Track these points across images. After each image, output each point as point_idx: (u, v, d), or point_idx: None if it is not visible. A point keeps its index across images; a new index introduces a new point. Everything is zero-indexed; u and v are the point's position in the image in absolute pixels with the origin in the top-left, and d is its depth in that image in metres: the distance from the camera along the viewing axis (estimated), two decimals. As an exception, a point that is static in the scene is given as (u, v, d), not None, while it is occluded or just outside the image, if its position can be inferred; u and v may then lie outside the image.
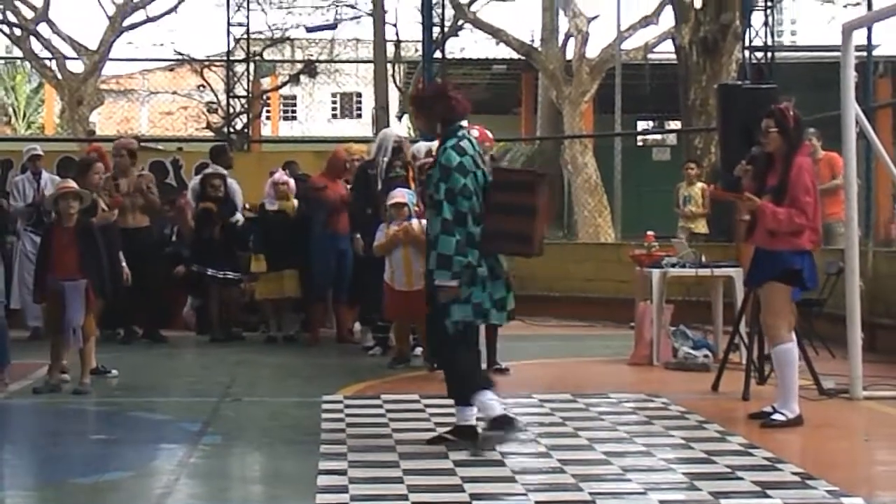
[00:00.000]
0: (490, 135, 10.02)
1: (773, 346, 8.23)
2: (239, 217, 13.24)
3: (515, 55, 27.24)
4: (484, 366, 10.15)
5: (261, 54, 26.71)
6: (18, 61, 36.83)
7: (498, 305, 7.43)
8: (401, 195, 10.60)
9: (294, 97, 46.92)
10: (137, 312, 12.92)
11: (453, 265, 7.13)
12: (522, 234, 7.39)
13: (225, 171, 13.58)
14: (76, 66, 29.75)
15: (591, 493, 6.24)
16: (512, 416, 7.32)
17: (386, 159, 11.48)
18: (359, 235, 11.60)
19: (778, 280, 8.18)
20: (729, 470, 6.80)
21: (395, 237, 10.47)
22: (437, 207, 7.21)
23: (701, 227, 15.79)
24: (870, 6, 14.18)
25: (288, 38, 29.41)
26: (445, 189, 7.20)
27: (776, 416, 8.13)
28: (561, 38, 26.12)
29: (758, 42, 16.27)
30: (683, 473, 6.77)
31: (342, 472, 6.68)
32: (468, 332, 7.41)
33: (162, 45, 33.02)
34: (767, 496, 6.22)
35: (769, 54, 16.14)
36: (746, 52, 16.34)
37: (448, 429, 7.56)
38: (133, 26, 29.78)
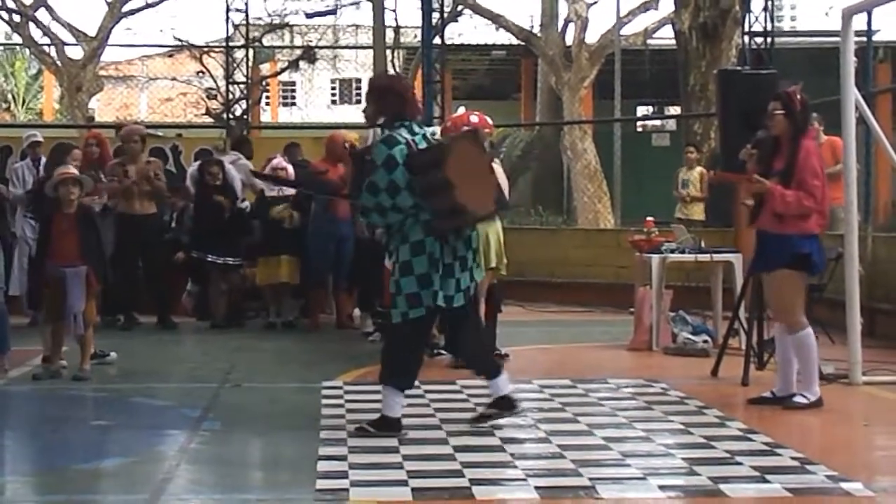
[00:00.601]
0: (490, 121, 10.00)
1: (792, 333, 8.24)
2: (247, 204, 13.27)
3: (515, 41, 27.23)
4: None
5: (260, 40, 26.68)
6: (17, 47, 36.80)
7: (455, 286, 7.36)
8: None
9: (293, 83, 46.90)
10: (145, 299, 12.98)
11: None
12: (451, 209, 7.26)
13: (223, 158, 13.62)
14: (75, 53, 29.72)
15: (590, 479, 6.25)
16: (401, 424, 7.31)
17: None
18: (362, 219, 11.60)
19: (788, 266, 8.17)
20: (728, 455, 6.81)
21: None
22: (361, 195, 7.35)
23: (697, 213, 15.79)
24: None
25: (287, 24, 29.36)
26: (369, 182, 7.25)
27: (798, 399, 8.16)
28: (560, 23, 26.10)
29: (757, 27, 16.22)
30: (683, 458, 6.77)
31: (342, 458, 6.69)
32: (421, 321, 7.38)
33: (161, 31, 33.01)
34: (767, 481, 6.22)
35: (769, 40, 16.10)
36: (746, 38, 16.30)
37: (486, 404, 7.64)
38: (132, 12, 29.73)
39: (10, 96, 43.69)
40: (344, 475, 6.31)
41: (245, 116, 21.16)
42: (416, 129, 7.44)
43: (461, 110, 10.34)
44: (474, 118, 9.84)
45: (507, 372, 7.69)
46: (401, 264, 7.29)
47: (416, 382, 7.75)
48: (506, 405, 7.54)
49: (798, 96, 8.26)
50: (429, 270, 7.25)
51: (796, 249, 8.15)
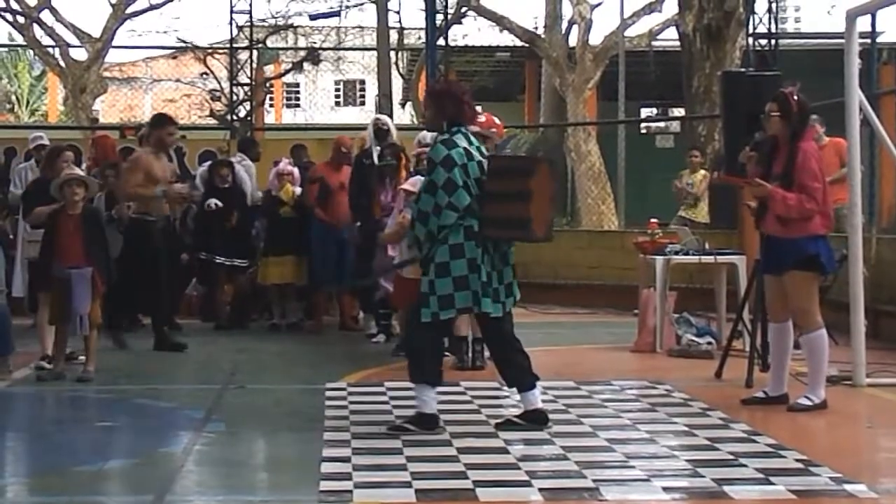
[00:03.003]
0: (497, 121, 9.99)
1: (805, 333, 8.24)
2: (258, 194, 13.28)
3: (519, 42, 27.21)
4: (487, 354, 10.23)
5: (264, 42, 26.67)
6: (21, 49, 36.82)
7: (494, 295, 7.48)
8: (411, 183, 10.59)
9: (297, 85, 46.90)
10: (154, 302, 12.99)
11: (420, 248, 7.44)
12: (518, 220, 7.48)
13: (232, 160, 13.64)
14: (79, 54, 29.73)
15: (594, 480, 6.25)
16: (438, 421, 7.39)
17: (377, 149, 11.54)
18: (359, 223, 11.63)
19: (797, 268, 8.16)
20: (732, 457, 6.81)
21: (402, 225, 10.44)
22: (417, 198, 7.49)
23: (701, 215, 15.79)
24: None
25: (291, 26, 29.37)
26: (428, 181, 7.40)
27: (802, 401, 8.17)
28: (564, 25, 26.09)
29: (761, 29, 16.23)
30: (687, 460, 6.77)
31: (346, 460, 6.70)
32: (445, 321, 7.50)
33: (165, 32, 32.98)
34: (771, 483, 6.22)
35: (773, 41, 16.10)
36: (750, 40, 16.29)
37: (518, 413, 7.70)
38: (136, 14, 29.75)
39: (13, 98, 43.70)
40: (348, 477, 6.32)
41: (249, 118, 21.17)
42: (472, 138, 7.61)
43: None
44: (482, 118, 9.87)
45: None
46: (437, 265, 7.36)
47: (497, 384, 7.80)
48: (537, 418, 7.57)
49: (795, 97, 8.23)
50: (467, 273, 7.34)
51: (803, 251, 8.15)
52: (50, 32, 29.24)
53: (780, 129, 8.24)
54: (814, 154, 8.26)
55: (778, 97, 8.28)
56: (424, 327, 7.44)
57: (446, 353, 9.76)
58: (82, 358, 9.74)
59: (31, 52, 33.48)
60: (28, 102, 44.40)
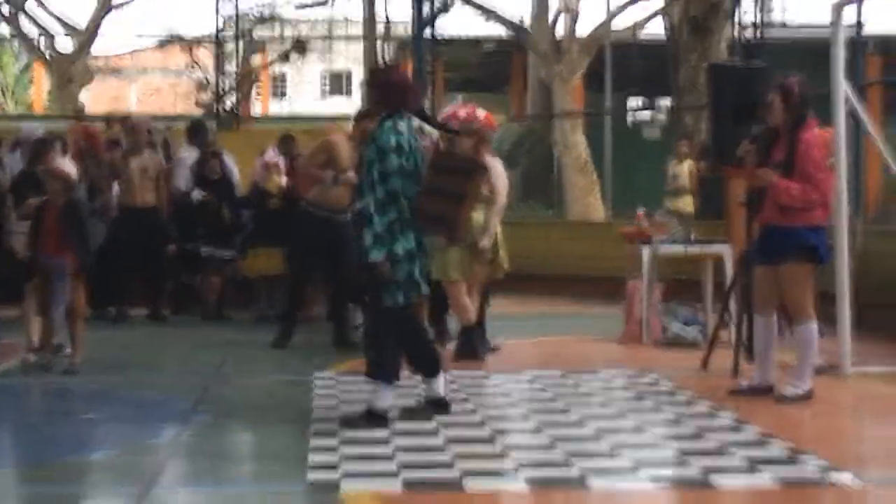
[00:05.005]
0: (480, 115, 9.96)
1: (797, 324, 8.26)
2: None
3: (506, 33, 27.19)
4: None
5: (250, 32, 26.65)
6: (7, 40, 36.70)
7: (425, 277, 7.54)
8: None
9: (284, 75, 46.86)
10: (144, 292, 12.99)
11: (384, 244, 7.25)
12: (447, 218, 7.53)
13: (221, 151, 13.60)
14: (65, 45, 29.67)
15: (581, 470, 6.26)
16: (387, 418, 7.37)
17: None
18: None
19: (795, 258, 8.17)
20: (719, 446, 6.82)
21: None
22: (372, 187, 7.32)
23: (688, 206, 15.81)
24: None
25: (278, 16, 29.33)
26: (380, 170, 7.31)
27: (789, 390, 8.18)
28: (551, 15, 26.06)
29: (748, 20, 16.25)
30: (674, 449, 6.79)
31: (333, 450, 6.70)
32: (405, 310, 7.47)
33: (151, 23, 32.93)
34: (758, 471, 6.24)
35: (759, 32, 16.13)
36: (737, 31, 16.32)
37: (415, 402, 7.77)
38: (122, 4, 29.70)
39: (-1, 89, 43.58)
40: (335, 467, 6.32)
41: (236, 109, 21.15)
42: (412, 126, 7.59)
43: (458, 99, 10.29)
44: (481, 112, 9.87)
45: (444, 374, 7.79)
46: (394, 253, 7.33)
47: (406, 373, 7.77)
48: (439, 407, 7.64)
49: (797, 88, 8.25)
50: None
51: (803, 241, 8.15)
52: (36, 23, 29.18)
53: (781, 119, 8.24)
54: (816, 144, 8.26)
55: (781, 86, 8.29)
56: (385, 317, 7.43)
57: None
58: (69, 350, 9.72)
59: (17, 42, 33.38)
60: (13, 93, 44.26)
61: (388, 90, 7.57)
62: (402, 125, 7.45)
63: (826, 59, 9.42)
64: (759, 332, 8.54)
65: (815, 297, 8.51)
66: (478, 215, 9.47)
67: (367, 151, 7.45)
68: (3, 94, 43.68)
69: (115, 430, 7.66)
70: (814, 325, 8.26)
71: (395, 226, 7.29)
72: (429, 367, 7.71)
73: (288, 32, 31.66)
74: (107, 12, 29.32)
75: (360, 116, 10.44)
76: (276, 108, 45.53)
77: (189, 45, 28.53)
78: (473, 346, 9.98)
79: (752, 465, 6.34)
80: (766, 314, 8.43)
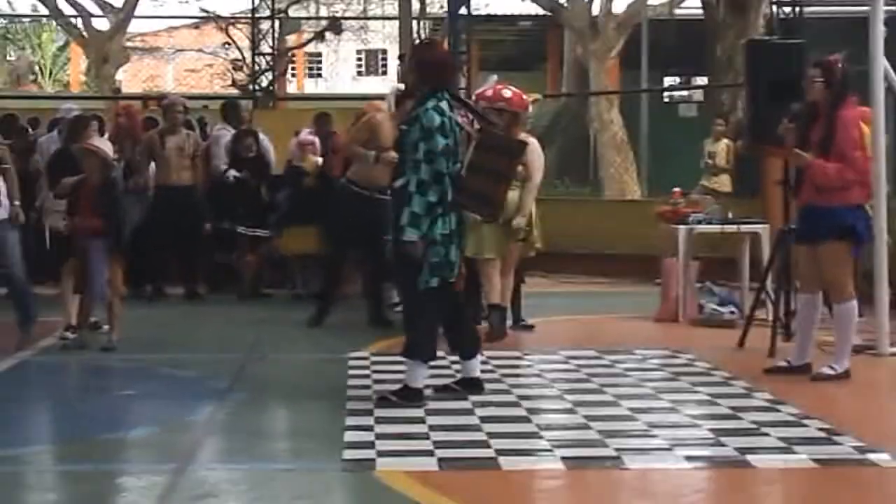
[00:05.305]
0: (507, 94, 9.88)
1: (837, 303, 8.21)
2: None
3: (541, 11, 27.10)
4: (510, 323, 10.25)
5: (286, 11, 26.65)
6: (45, 19, 36.88)
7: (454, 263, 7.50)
8: None
9: (319, 54, 46.90)
10: (180, 271, 13.04)
11: (421, 224, 7.22)
12: (487, 197, 7.58)
13: (257, 130, 13.61)
14: (102, 24, 29.77)
15: (616, 449, 6.25)
16: (423, 395, 7.40)
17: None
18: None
19: (833, 237, 8.12)
20: (755, 426, 6.80)
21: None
22: (416, 167, 7.27)
23: (725, 184, 15.73)
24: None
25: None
26: (426, 150, 7.27)
27: (826, 370, 8.15)
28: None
29: (785, -3, 16.10)
30: (709, 429, 6.77)
31: (369, 428, 6.71)
32: (441, 290, 7.44)
33: (187, 2, 33.00)
34: (794, 452, 6.22)
35: (797, 9, 15.98)
36: (774, 7, 16.18)
37: (455, 380, 7.78)
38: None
39: (37, 68, 43.81)
40: (370, 446, 6.33)
41: (271, 88, 21.17)
42: (452, 105, 7.57)
43: (493, 79, 10.20)
44: (507, 92, 9.81)
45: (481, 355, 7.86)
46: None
47: (441, 353, 7.78)
48: (474, 386, 7.66)
49: (839, 65, 8.19)
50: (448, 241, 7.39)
51: (841, 221, 8.10)
52: (73, 3, 29.28)
53: (821, 97, 8.19)
54: (854, 122, 8.19)
55: (821, 63, 8.24)
56: (420, 297, 7.42)
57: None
58: (106, 328, 9.78)
59: (54, 22, 33.52)
60: (51, 72, 44.50)
61: (430, 68, 7.54)
62: (444, 104, 7.43)
63: (865, 36, 9.33)
64: (801, 310, 8.49)
65: (855, 277, 8.46)
66: (513, 194, 9.44)
67: (410, 131, 7.39)
68: (41, 73, 43.94)
69: (152, 407, 7.70)
70: (853, 305, 8.20)
71: (436, 207, 7.28)
72: (467, 348, 7.71)
73: (323, 11, 31.68)
74: (143, -9, 29.40)
75: (404, 96, 10.40)
76: (311, 87, 45.57)
77: (225, 24, 28.55)
78: (498, 324, 9.99)
79: (789, 445, 6.32)
80: (809, 292, 8.39)
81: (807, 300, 8.42)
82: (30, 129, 13.99)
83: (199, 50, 36.54)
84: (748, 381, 8.14)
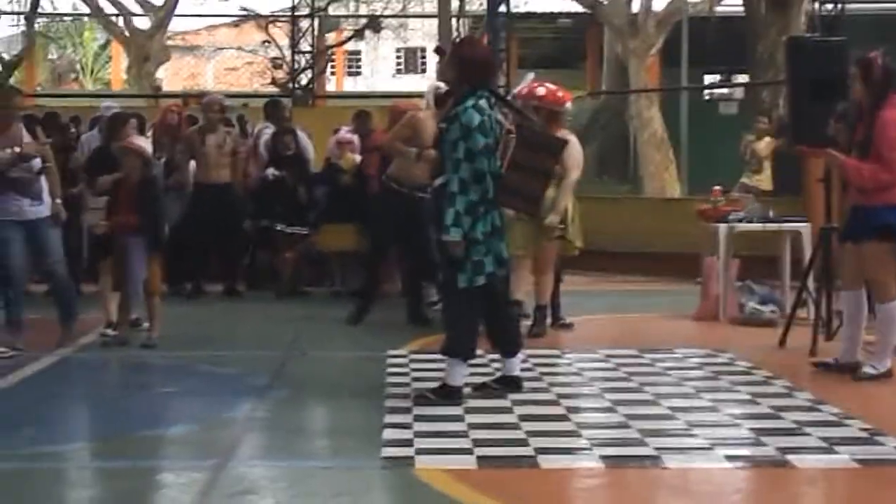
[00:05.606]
0: (541, 92, 9.84)
1: (880, 303, 8.15)
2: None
3: (580, 9, 27.06)
4: (549, 321, 10.23)
5: (325, 9, 26.69)
6: (86, 18, 37.09)
7: (499, 261, 7.48)
8: None
9: (359, 52, 46.95)
10: (220, 269, 13.09)
11: (463, 223, 7.22)
12: (533, 195, 7.61)
13: (295, 128, 13.63)
14: (143, 23, 29.92)
15: (656, 448, 6.23)
16: (462, 393, 7.39)
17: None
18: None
19: (874, 237, 8.06)
20: (796, 426, 6.75)
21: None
22: (456, 165, 7.27)
23: (765, 182, 15.65)
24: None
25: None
26: (465, 148, 7.26)
27: (867, 370, 8.09)
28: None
29: (827, -6, 16.00)
30: (750, 429, 6.73)
31: (407, 426, 6.71)
32: (483, 289, 7.43)
33: (227, 0, 33.13)
34: (835, 452, 6.17)
35: (839, 6, 15.88)
36: (816, 4, 16.08)
37: (494, 377, 7.75)
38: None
39: (78, 66, 44.06)
40: (409, 443, 6.33)
41: (311, 86, 21.21)
42: (491, 103, 7.55)
43: (529, 77, 10.16)
44: (541, 90, 9.78)
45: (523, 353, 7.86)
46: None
47: (481, 351, 7.77)
48: (513, 384, 7.64)
49: (878, 63, 8.09)
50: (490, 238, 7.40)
51: (881, 220, 8.03)
52: (113, 1, 29.44)
53: (862, 96, 8.11)
54: (894, 123, 8.09)
55: (861, 62, 8.15)
56: (462, 295, 7.41)
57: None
58: (146, 325, 9.83)
59: (95, 20, 33.71)
60: (92, 71, 44.73)
61: (470, 65, 7.50)
62: (484, 102, 7.42)
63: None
64: (846, 308, 8.44)
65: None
66: (549, 191, 9.42)
67: (451, 129, 7.37)
68: (83, 71, 44.18)
69: (192, 404, 7.73)
70: (895, 305, 8.13)
71: (478, 207, 7.28)
72: (509, 346, 7.69)
73: (363, 9, 31.71)
74: (183, -10, 29.52)
75: (447, 95, 10.39)
76: (350, 85, 45.64)
77: (265, 22, 28.64)
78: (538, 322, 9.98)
79: (830, 445, 6.28)
80: (853, 289, 8.33)
81: (851, 297, 8.36)
82: (73, 128, 14.04)
83: (239, 48, 36.68)
84: (789, 380, 8.09)
